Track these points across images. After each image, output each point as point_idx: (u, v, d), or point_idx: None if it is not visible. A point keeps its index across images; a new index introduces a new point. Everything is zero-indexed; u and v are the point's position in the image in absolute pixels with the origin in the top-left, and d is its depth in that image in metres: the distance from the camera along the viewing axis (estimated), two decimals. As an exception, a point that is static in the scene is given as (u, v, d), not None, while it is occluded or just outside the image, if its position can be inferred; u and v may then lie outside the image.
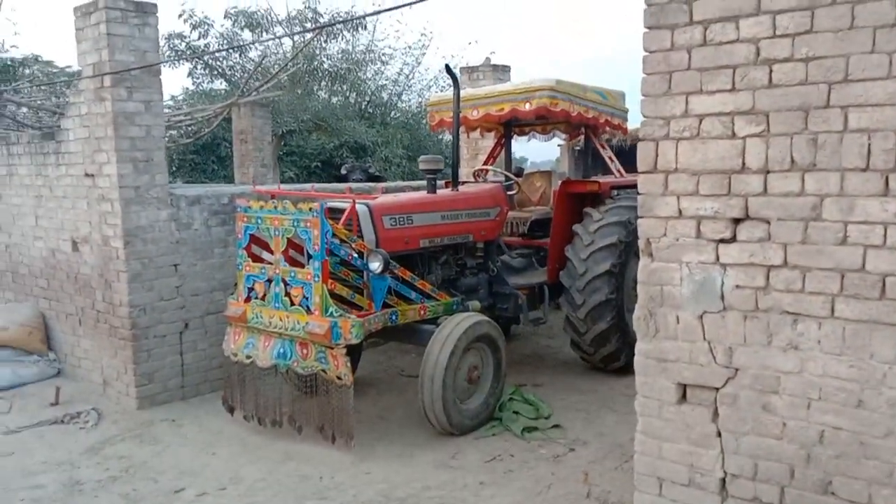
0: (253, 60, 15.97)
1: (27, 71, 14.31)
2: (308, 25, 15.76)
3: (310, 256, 4.80)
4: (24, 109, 9.70)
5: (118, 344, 5.88)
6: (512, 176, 7.06)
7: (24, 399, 6.08)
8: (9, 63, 14.18)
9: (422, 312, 5.37)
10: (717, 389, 3.08)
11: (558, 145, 15.50)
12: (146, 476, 4.66)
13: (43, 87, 10.97)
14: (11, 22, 29.92)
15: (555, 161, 18.20)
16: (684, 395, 3.18)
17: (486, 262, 6.35)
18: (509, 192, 6.78)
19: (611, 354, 6.28)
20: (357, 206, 5.16)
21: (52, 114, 8.52)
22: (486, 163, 7.62)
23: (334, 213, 5.15)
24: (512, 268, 6.77)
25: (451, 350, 4.98)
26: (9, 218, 7.20)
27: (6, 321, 6.57)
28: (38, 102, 9.43)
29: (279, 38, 15.94)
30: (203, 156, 14.56)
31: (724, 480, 3.10)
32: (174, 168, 13.86)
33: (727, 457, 3.07)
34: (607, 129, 7.21)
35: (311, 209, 4.74)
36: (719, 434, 3.09)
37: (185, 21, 15.80)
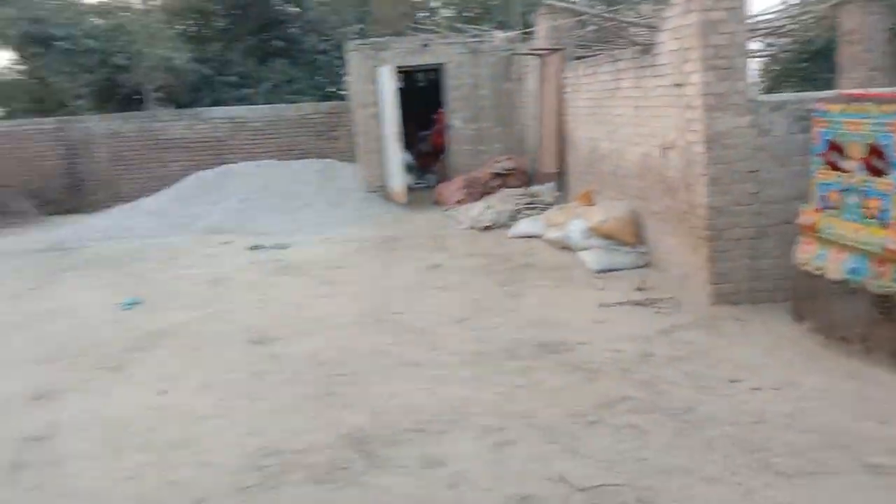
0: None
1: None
2: None
3: (891, 165, 4.33)
4: (643, 30, 10.80)
5: (696, 243, 6.34)
6: None
7: (616, 281, 7.18)
8: None
9: None
10: None
11: None
12: (706, 363, 5.05)
13: (657, 8, 11.96)
14: None
15: None
16: None
17: None
18: None
19: None
20: None
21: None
22: None
23: None
24: None
25: None
26: (612, 127, 8.34)
27: (606, 215, 7.81)
28: (647, 20, 10.38)
29: None
30: (817, 63, 13.52)
31: None
32: (781, 79, 13.39)
33: None
34: None
35: (894, 112, 4.23)
36: None
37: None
